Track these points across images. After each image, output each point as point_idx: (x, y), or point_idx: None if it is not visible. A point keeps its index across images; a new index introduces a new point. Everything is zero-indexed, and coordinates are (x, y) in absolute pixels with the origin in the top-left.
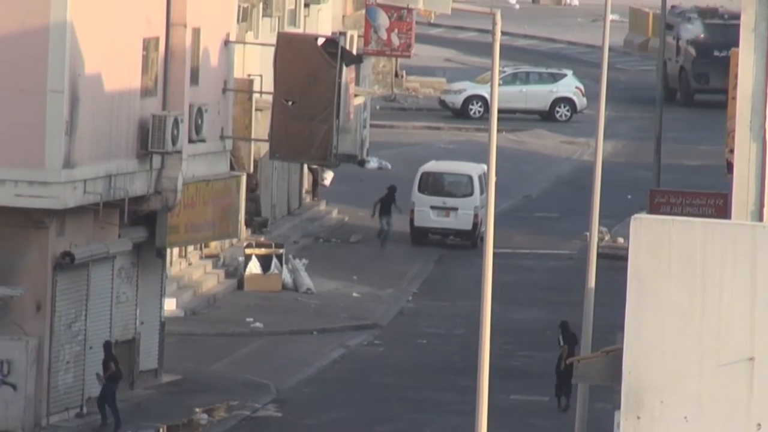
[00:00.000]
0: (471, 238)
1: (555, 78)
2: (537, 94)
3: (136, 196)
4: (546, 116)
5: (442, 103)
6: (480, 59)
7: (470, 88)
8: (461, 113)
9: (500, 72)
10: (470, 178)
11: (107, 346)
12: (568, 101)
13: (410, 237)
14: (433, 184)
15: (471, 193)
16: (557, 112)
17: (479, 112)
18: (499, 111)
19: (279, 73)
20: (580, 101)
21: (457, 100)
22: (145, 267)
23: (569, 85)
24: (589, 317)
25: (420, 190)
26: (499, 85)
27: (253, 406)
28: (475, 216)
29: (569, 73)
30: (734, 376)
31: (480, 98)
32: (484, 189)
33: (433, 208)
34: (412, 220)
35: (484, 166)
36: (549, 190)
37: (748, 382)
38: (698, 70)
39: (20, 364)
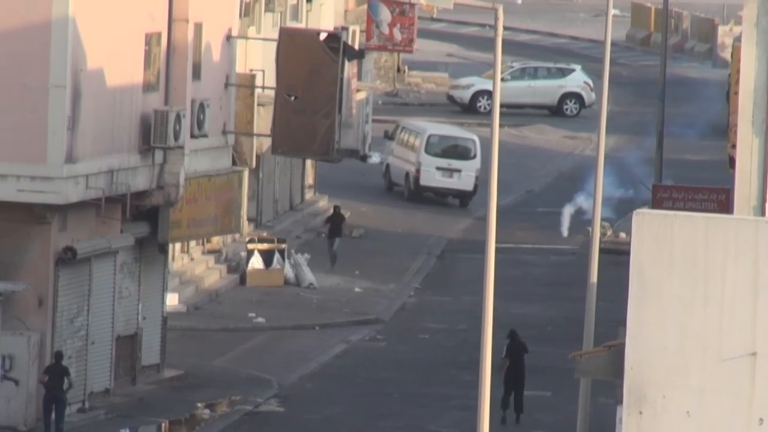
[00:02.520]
0: (471, 198)
1: (563, 73)
2: (545, 89)
3: (138, 192)
4: (554, 111)
5: (450, 98)
6: (482, 54)
7: (478, 83)
8: (469, 108)
9: (508, 67)
10: (474, 142)
11: (58, 355)
12: (576, 96)
13: (407, 194)
14: (439, 147)
15: (474, 157)
16: (565, 107)
17: (487, 107)
18: (508, 106)
19: (281, 68)
20: (589, 96)
21: (465, 96)
22: (148, 262)
23: (578, 80)
24: (592, 312)
25: (426, 151)
26: (507, 80)
27: (255, 401)
28: (476, 178)
29: (578, 68)
30: (736, 371)
31: (488, 93)
32: (478, 155)
33: (438, 168)
34: (417, 179)
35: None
36: (551, 185)
37: (750, 377)
38: None
39: (22, 360)
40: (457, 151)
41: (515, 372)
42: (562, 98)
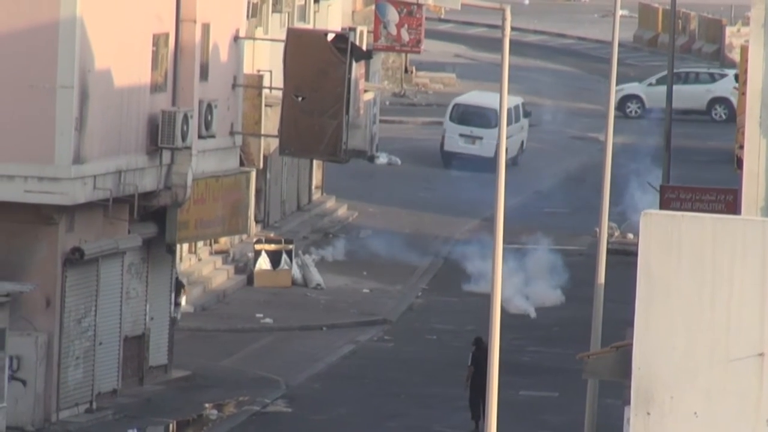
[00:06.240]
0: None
1: (713, 78)
2: (693, 94)
3: (145, 192)
4: (704, 116)
5: None
6: (490, 55)
7: (627, 89)
8: (618, 111)
9: (657, 72)
10: (495, 111)
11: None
12: (724, 101)
13: (442, 160)
14: (462, 114)
15: (495, 124)
16: (714, 112)
17: (637, 111)
18: (655, 111)
19: (289, 68)
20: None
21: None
22: (155, 263)
23: (727, 86)
24: (599, 313)
25: (451, 119)
26: (653, 84)
27: (262, 401)
28: (497, 145)
29: (730, 73)
30: (744, 371)
31: (636, 98)
32: (512, 120)
33: (461, 135)
34: (442, 145)
35: (519, 99)
36: (559, 185)
37: (757, 377)
38: None
39: (30, 360)
40: (478, 119)
41: (480, 380)
42: (711, 103)
